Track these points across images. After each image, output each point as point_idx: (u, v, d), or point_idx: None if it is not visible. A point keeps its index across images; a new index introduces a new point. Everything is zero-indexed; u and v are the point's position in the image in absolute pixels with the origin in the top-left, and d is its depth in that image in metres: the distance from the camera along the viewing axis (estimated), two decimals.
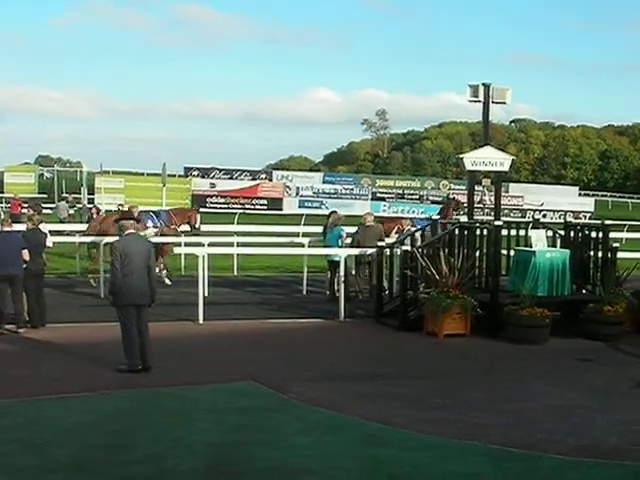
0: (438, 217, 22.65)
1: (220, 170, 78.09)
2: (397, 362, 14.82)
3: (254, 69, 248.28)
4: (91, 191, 56.13)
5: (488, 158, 18.72)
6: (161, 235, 23.73)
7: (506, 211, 67.80)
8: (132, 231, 13.58)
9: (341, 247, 21.13)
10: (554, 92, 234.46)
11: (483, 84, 19.24)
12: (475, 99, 19.38)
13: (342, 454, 9.34)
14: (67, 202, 44.11)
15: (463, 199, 22.67)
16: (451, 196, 28.89)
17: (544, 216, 66.02)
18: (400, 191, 77.77)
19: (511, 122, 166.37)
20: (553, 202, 76.37)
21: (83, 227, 30.08)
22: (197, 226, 25.14)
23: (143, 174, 77.74)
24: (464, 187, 54.53)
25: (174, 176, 67.84)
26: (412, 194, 77.69)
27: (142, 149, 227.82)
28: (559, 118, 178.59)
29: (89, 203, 44.36)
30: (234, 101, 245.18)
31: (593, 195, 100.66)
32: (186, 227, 25.09)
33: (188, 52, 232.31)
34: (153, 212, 25.47)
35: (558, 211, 71.44)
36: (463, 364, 14.90)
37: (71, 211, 42.34)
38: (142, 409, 11.29)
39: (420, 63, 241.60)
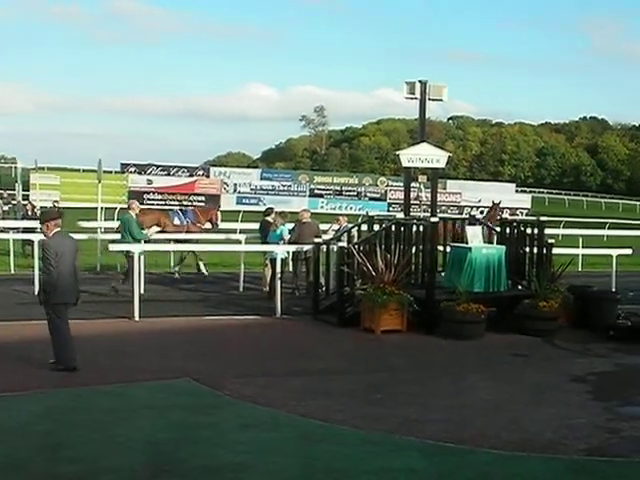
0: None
1: (157, 166, 77.43)
2: (334, 358, 14.82)
3: (191, 65, 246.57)
4: (26, 187, 55.40)
5: (424, 155, 18.80)
6: (187, 232, 25.15)
7: (444, 208, 68.17)
8: (59, 229, 13.39)
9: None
10: (492, 90, 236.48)
11: (420, 81, 19.33)
12: (412, 96, 19.46)
13: (280, 450, 9.35)
14: (2, 199, 43.47)
15: (400, 196, 22.71)
16: (496, 201, 29.75)
17: (481, 213, 66.43)
18: (338, 188, 77.72)
19: (449, 119, 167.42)
20: (491, 199, 76.83)
21: (18, 224, 29.88)
22: (218, 223, 26.55)
23: (79, 170, 76.77)
24: (402, 184, 54.70)
25: (110, 172, 67.22)
26: (350, 191, 77.70)
27: (78, 145, 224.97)
28: (497, 115, 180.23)
29: (24, 200, 43.73)
30: (172, 97, 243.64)
31: (530, 192, 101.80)
32: (208, 225, 26.48)
33: (124, 47, 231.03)
34: (181, 210, 26.87)
35: None
36: (400, 360, 14.96)
37: (5, 207, 41.75)
38: (77, 408, 11.13)
39: (358, 59, 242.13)
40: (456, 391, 12.62)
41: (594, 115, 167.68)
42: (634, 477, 9.05)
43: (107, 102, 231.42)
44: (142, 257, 19.65)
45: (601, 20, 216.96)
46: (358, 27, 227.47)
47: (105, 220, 29.80)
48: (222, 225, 28.55)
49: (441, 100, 19.87)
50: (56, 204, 36.02)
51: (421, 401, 11.86)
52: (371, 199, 73.94)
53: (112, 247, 20.47)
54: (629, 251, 25.73)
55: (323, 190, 76.24)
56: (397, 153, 19.72)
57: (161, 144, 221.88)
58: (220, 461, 8.92)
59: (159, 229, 23.78)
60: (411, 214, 20.60)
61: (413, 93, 19.39)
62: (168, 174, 75.65)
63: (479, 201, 75.78)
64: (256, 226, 24.44)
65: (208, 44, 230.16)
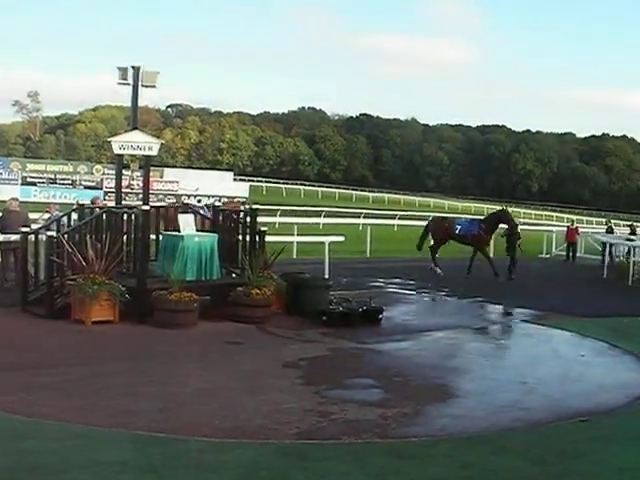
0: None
1: None
2: (42, 351, 14.37)
3: None
4: None
5: (136, 142, 18.67)
6: None
7: (161, 196, 67.96)
8: None
9: None
10: (211, 79, 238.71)
11: (132, 67, 19.12)
12: (124, 82, 19.27)
13: None
14: None
15: (113, 183, 22.42)
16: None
17: (199, 201, 66.58)
18: (52, 176, 75.92)
19: (168, 107, 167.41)
20: (209, 187, 77.37)
21: None
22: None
23: None
24: None
25: None
26: (64, 179, 76.10)
27: None
28: (216, 104, 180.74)
29: None
30: None
31: (249, 180, 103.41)
32: None
33: None
34: (206, 206, 25.77)
35: (213, 196, 72.32)
36: (110, 350, 14.72)
37: None
38: None
39: (75, 43, 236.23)
40: (169, 380, 12.56)
41: (312, 106, 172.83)
42: (342, 458, 9.33)
43: None
44: None
45: (317, 12, 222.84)
46: (74, 9, 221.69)
47: None
48: None
49: (154, 87, 19.71)
50: None
51: (132, 392, 11.71)
52: (86, 187, 72.51)
53: None
54: (341, 238, 26.60)
55: (36, 178, 74.17)
56: (109, 140, 19.48)
57: None
58: None
59: (49, 216, 22.13)
60: (125, 202, 20.37)
61: (126, 79, 19.21)
62: None
63: (197, 189, 76.11)
64: None
65: None
